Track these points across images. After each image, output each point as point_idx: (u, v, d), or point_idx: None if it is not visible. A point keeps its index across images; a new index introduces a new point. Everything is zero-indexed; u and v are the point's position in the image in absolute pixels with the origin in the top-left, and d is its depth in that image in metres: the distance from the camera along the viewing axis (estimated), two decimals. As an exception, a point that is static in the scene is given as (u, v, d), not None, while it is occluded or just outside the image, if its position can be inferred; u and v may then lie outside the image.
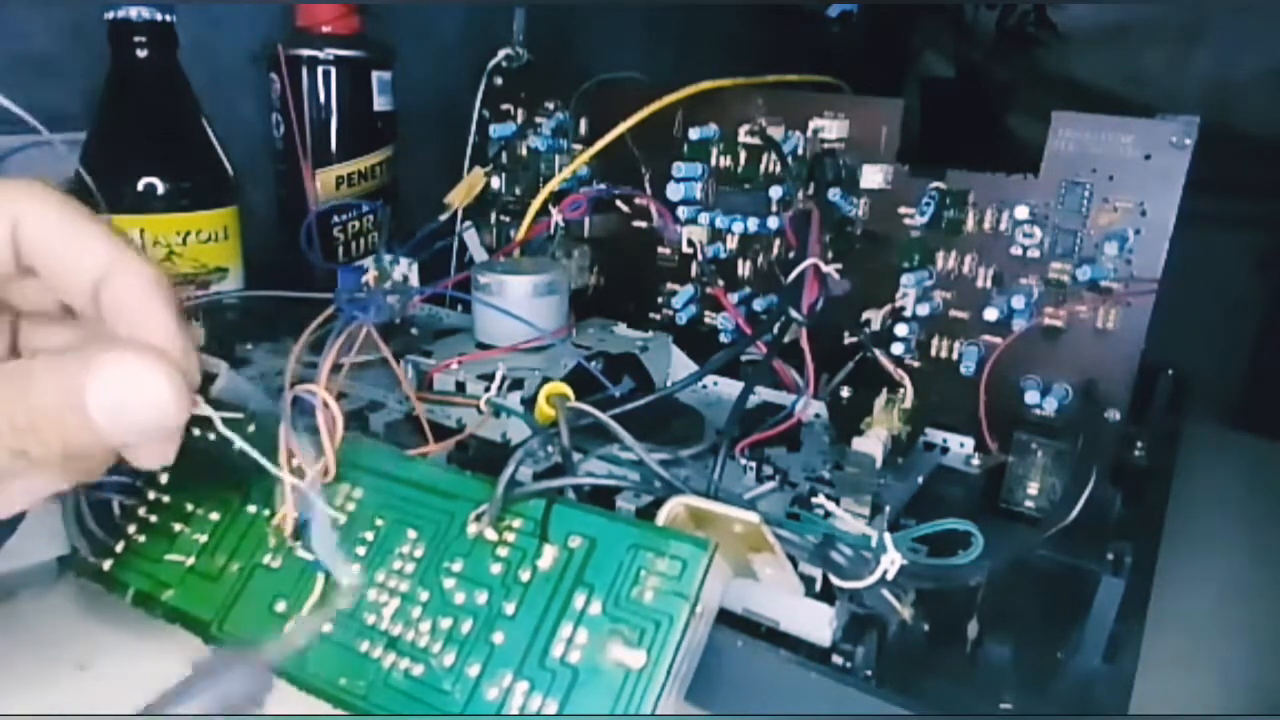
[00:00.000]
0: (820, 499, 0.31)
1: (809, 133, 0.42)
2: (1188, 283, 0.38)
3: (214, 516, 0.29)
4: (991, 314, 0.38)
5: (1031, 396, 0.38)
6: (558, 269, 0.41)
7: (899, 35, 0.92)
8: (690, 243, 0.47)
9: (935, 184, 0.39)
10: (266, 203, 0.54)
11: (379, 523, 0.27)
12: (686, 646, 0.22)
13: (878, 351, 0.39)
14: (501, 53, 0.51)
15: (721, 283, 0.45)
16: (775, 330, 0.37)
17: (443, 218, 0.49)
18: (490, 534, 0.25)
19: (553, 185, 0.47)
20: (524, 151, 0.51)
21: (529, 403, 0.34)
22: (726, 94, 0.44)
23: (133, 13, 0.42)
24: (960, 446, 0.38)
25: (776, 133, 0.43)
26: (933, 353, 0.41)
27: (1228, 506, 0.44)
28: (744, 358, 0.42)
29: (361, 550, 0.27)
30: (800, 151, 0.43)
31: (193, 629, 0.27)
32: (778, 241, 0.45)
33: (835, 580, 0.25)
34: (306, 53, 0.51)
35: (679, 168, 0.45)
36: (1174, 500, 0.38)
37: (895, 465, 0.32)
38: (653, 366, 0.41)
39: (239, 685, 0.22)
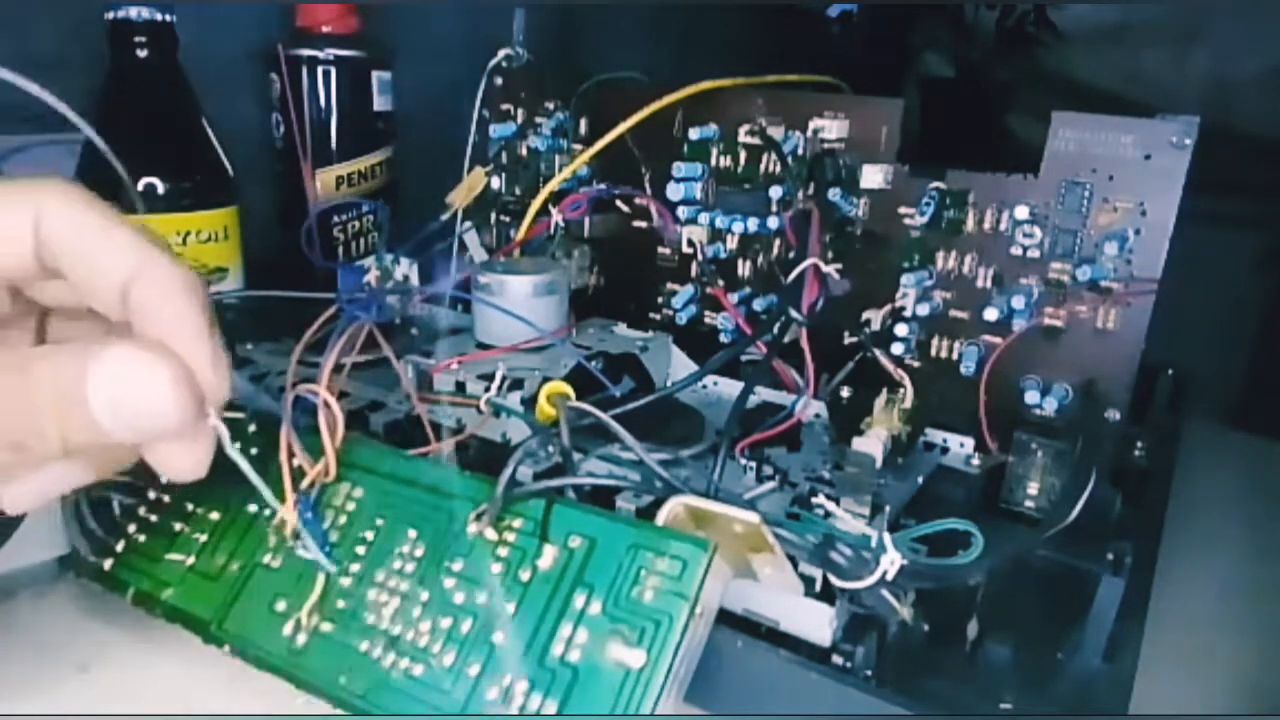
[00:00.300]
0: (820, 499, 0.31)
1: (809, 133, 0.42)
2: (1188, 283, 0.37)
3: (214, 516, 0.29)
4: (991, 314, 0.38)
5: (1031, 396, 0.37)
6: (558, 269, 0.41)
7: (899, 35, 0.92)
8: (690, 243, 0.47)
9: (935, 184, 0.39)
10: (266, 203, 0.54)
11: (379, 522, 0.27)
12: (686, 646, 0.22)
13: (878, 351, 0.39)
14: (501, 53, 0.51)
15: (721, 283, 0.45)
16: (775, 330, 0.37)
17: (443, 218, 0.49)
18: (490, 534, 0.25)
19: (553, 185, 0.47)
20: (524, 151, 0.51)
21: (529, 403, 0.34)
22: (726, 94, 0.44)
23: (133, 13, 0.42)
24: (960, 446, 0.38)
25: (776, 133, 0.43)
26: (933, 353, 0.41)
27: (1228, 506, 0.44)
28: (744, 358, 0.42)
29: (362, 549, 0.27)
30: (800, 151, 0.43)
31: (192, 628, 0.27)
32: (778, 241, 0.45)
33: (835, 580, 0.25)
34: (306, 53, 0.51)
35: (679, 168, 0.45)
36: (1174, 500, 0.38)
37: (895, 465, 0.33)
38: (653, 366, 0.41)
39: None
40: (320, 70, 0.51)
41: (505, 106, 0.52)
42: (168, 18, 0.43)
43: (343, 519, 0.28)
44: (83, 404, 0.20)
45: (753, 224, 0.43)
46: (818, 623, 0.26)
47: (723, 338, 0.47)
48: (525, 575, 0.24)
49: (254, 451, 0.29)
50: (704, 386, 0.43)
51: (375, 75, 0.53)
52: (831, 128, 0.42)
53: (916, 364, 0.41)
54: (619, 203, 0.49)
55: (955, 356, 0.40)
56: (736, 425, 0.32)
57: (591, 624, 0.23)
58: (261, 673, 0.26)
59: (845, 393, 0.39)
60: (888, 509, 0.31)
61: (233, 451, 0.23)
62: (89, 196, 0.23)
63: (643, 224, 0.48)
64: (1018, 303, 0.37)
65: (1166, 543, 0.34)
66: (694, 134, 0.45)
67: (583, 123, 0.49)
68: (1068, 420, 0.37)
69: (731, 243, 0.46)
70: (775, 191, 0.42)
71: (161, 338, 0.22)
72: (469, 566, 0.25)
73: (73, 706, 0.27)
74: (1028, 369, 0.38)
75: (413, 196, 0.56)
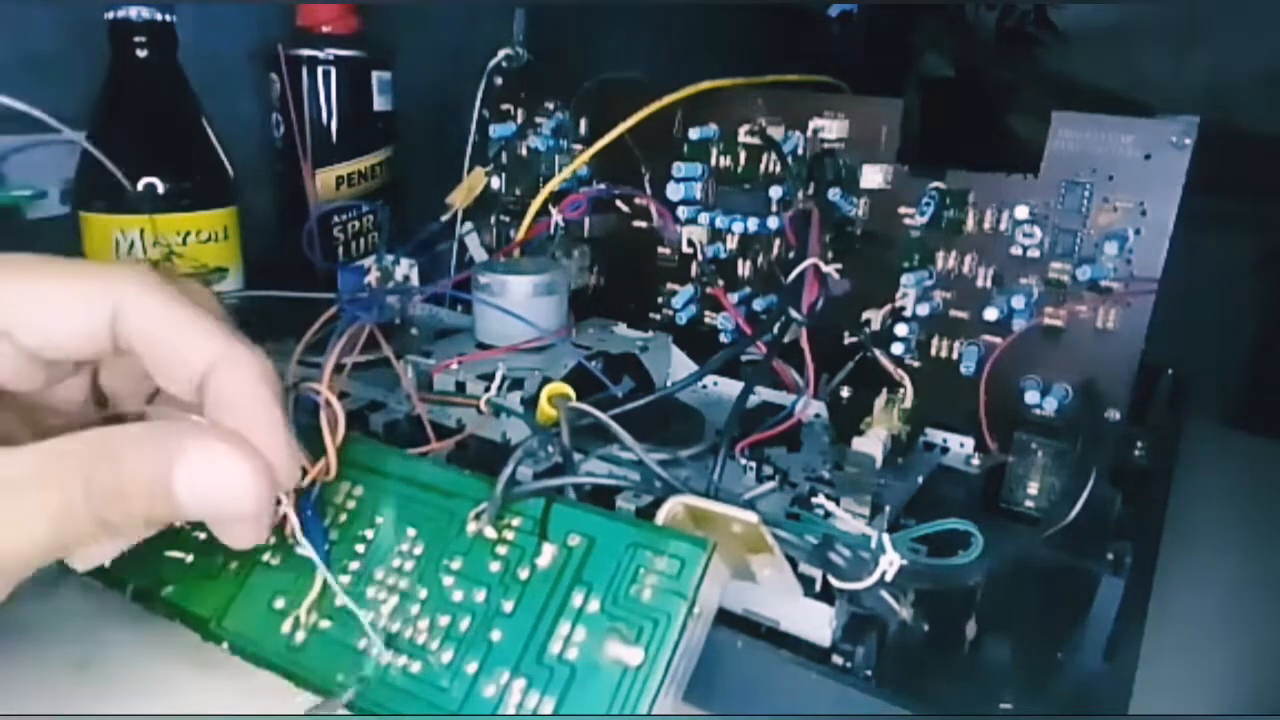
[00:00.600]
0: (820, 499, 0.31)
1: (809, 133, 0.42)
2: (1188, 283, 0.37)
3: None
4: (991, 314, 0.38)
5: (1031, 396, 0.37)
6: (558, 269, 0.41)
7: (899, 35, 0.92)
8: (690, 243, 0.47)
9: (935, 184, 0.39)
10: (266, 203, 0.54)
11: (379, 521, 0.27)
12: (684, 646, 0.22)
13: (878, 351, 0.39)
14: (501, 53, 0.51)
15: (721, 283, 0.45)
16: (775, 330, 0.37)
17: (444, 218, 0.49)
18: (489, 532, 0.25)
19: (553, 185, 0.47)
20: (524, 151, 0.51)
21: (529, 403, 0.34)
22: (726, 94, 0.44)
23: (133, 13, 0.42)
24: (960, 446, 0.38)
25: (776, 133, 0.43)
26: (933, 353, 0.41)
27: (1228, 506, 0.44)
28: (744, 358, 0.42)
29: (361, 548, 0.27)
30: (800, 151, 0.43)
31: (191, 625, 0.27)
32: (778, 241, 0.45)
33: (834, 581, 0.25)
34: (306, 53, 0.51)
35: (679, 168, 0.45)
36: (1174, 500, 0.38)
37: (895, 465, 0.32)
38: (653, 366, 0.41)
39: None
40: (320, 70, 0.51)
41: (505, 106, 0.52)
42: (168, 18, 0.43)
43: (343, 517, 0.28)
44: (168, 491, 0.22)
45: (753, 224, 0.43)
46: (817, 623, 0.26)
47: (723, 338, 0.47)
48: (524, 574, 0.24)
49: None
50: (704, 386, 0.43)
51: (375, 75, 0.53)
52: (831, 128, 0.42)
53: (916, 364, 0.41)
54: (619, 203, 0.49)
55: (955, 356, 0.40)
56: (736, 425, 0.32)
57: (590, 622, 0.23)
58: (260, 670, 0.26)
59: (845, 393, 0.39)
60: (888, 509, 0.31)
61: (303, 540, 0.25)
62: (168, 286, 0.24)
63: (643, 224, 0.48)
64: (1018, 303, 0.37)
65: (1166, 543, 0.34)
66: (694, 134, 0.45)
67: (583, 123, 0.49)
68: (1068, 420, 0.37)
69: (731, 243, 0.46)
70: (775, 191, 0.42)
71: (239, 429, 0.23)
72: (468, 565, 0.25)
73: (72, 704, 0.27)
74: (1028, 369, 0.38)
75: (413, 196, 0.56)
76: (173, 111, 0.45)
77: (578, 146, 0.49)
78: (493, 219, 0.53)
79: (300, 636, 0.25)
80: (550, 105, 0.50)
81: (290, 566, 0.27)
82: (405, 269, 0.44)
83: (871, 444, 0.31)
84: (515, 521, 0.26)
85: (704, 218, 0.45)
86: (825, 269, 0.37)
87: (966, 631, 0.28)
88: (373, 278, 0.43)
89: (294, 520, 0.25)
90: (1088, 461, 0.30)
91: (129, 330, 0.23)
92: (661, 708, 0.21)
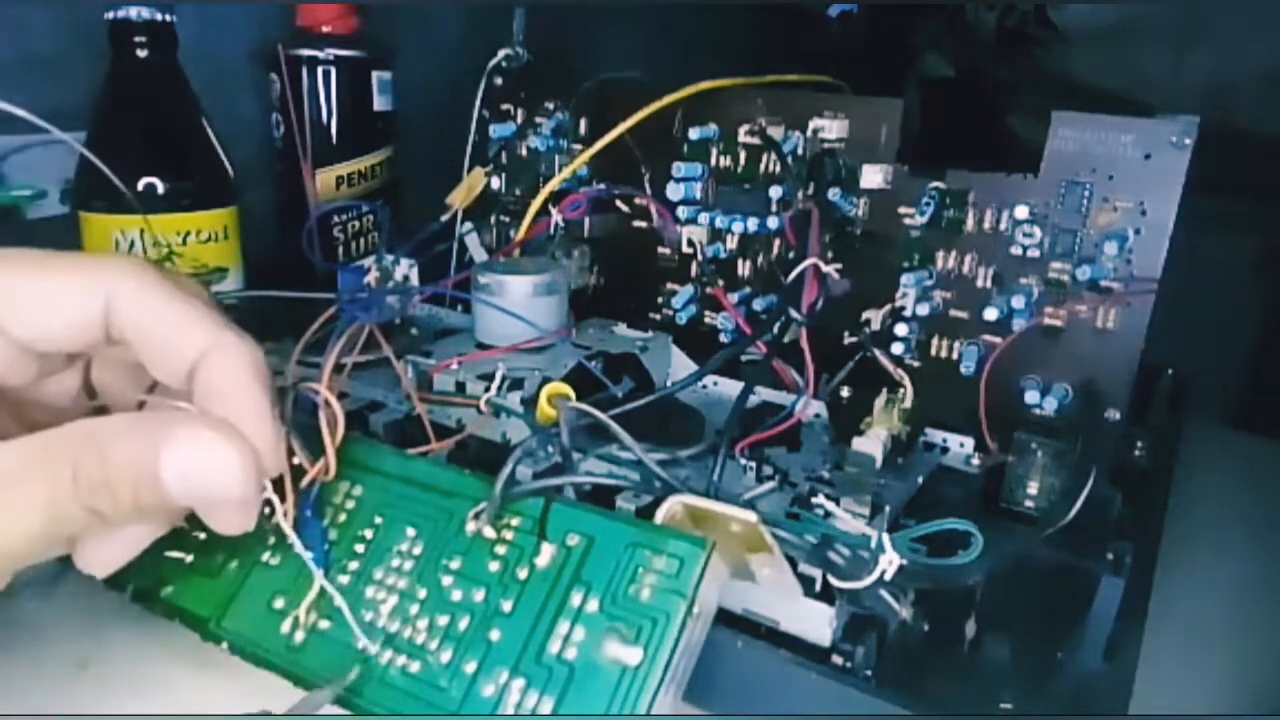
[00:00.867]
0: (820, 499, 0.31)
1: (809, 133, 0.42)
2: (1188, 283, 0.37)
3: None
4: (991, 314, 0.38)
5: (1031, 396, 0.37)
6: (558, 269, 0.41)
7: (899, 35, 0.92)
8: (690, 243, 0.47)
9: (935, 184, 0.39)
10: (266, 203, 0.54)
11: (378, 520, 0.27)
12: (684, 645, 0.22)
13: (878, 351, 0.39)
14: (501, 53, 0.51)
15: (721, 283, 0.45)
16: (775, 330, 0.37)
17: (444, 218, 0.49)
18: (489, 532, 0.25)
19: (553, 185, 0.47)
20: (524, 151, 0.51)
21: (529, 403, 0.34)
22: (726, 94, 0.44)
23: (133, 13, 0.42)
24: (960, 446, 0.38)
25: (776, 133, 0.43)
26: (933, 353, 0.41)
27: (1228, 506, 0.44)
28: (744, 358, 0.42)
29: (360, 548, 0.27)
30: (800, 151, 0.43)
31: (191, 625, 0.27)
32: (778, 241, 0.45)
33: (833, 580, 0.25)
34: (306, 53, 0.51)
35: (679, 168, 0.45)
36: (1174, 500, 0.38)
37: (895, 465, 0.32)
38: (653, 366, 0.41)
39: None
40: (320, 70, 0.51)
41: (505, 106, 0.52)
42: (168, 18, 0.43)
43: (342, 517, 0.28)
44: (155, 478, 0.22)
45: (753, 224, 0.43)
46: (817, 623, 0.26)
47: (723, 338, 0.47)
48: (523, 573, 0.24)
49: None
50: (704, 386, 0.43)
51: (375, 75, 0.53)
52: (831, 128, 0.41)
53: (916, 364, 0.41)
54: (619, 203, 0.49)
55: (955, 356, 0.40)
56: (736, 425, 0.32)
57: (588, 622, 0.23)
58: (260, 670, 0.26)
59: (845, 393, 0.39)
60: (888, 509, 0.31)
61: (284, 523, 0.25)
62: (160, 276, 0.24)
63: (643, 224, 0.48)
64: (1018, 303, 0.37)
65: (1166, 543, 0.34)
66: (694, 134, 0.45)
67: (583, 123, 0.49)
68: (1068, 420, 0.37)
69: (731, 243, 0.46)
70: (775, 191, 0.42)
71: (227, 417, 0.23)
72: (467, 564, 0.25)
73: (73, 704, 0.27)
74: (1028, 369, 0.38)
75: (413, 196, 0.56)
76: (173, 111, 0.45)
77: (578, 146, 0.49)
78: (493, 219, 0.53)
79: (300, 636, 0.26)
80: (550, 105, 0.50)
81: (289, 566, 0.27)
82: (405, 269, 0.44)
83: (871, 444, 0.31)
84: (514, 521, 0.26)
85: (704, 218, 0.45)
86: (825, 269, 0.37)
87: (966, 631, 0.28)
88: (372, 278, 0.43)
89: (280, 509, 0.25)
90: (1087, 461, 0.30)
91: (122, 320, 0.24)
92: (661, 707, 0.21)
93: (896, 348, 0.40)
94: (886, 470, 0.31)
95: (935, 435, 0.38)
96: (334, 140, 0.52)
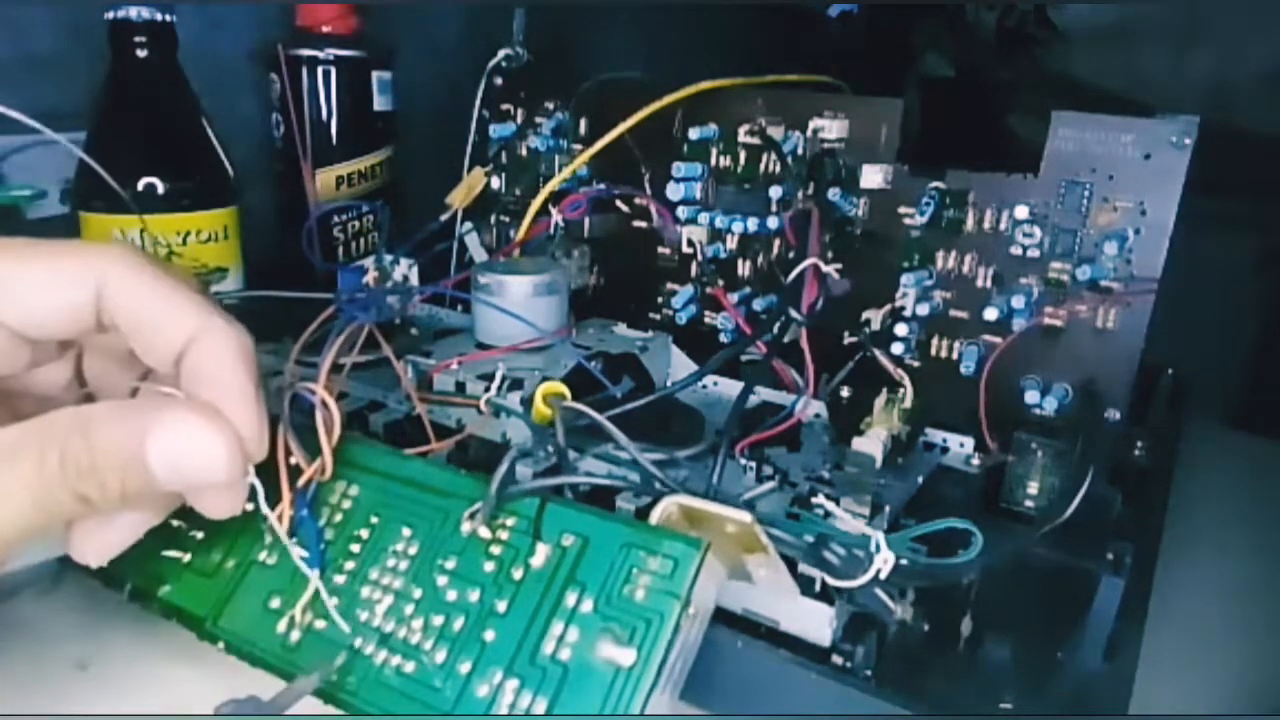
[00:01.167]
0: (820, 499, 0.31)
1: (809, 133, 0.42)
2: (1188, 283, 0.37)
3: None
4: (991, 314, 0.38)
5: (1031, 396, 0.37)
6: (558, 269, 0.41)
7: (899, 35, 0.92)
8: (690, 243, 0.46)
9: (935, 184, 0.39)
10: (266, 203, 0.54)
11: (374, 520, 0.27)
12: (679, 646, 0.22)
13: (878, 351, 0.39)
14: (501, 53, 0.51)
15: (721, 283, 0.45)
16: (775, 330, 0.37)
17: (443, 218, 0.49)
18: (484, 532, 0.25)
19: (553, 185, 0.47)
20: (524, 151, 0.51)
21: (529, 403, 0.34)
22: (726, 94, 0.44)
23: (133, 13, 0.42)
24: (960, 446, 0.38)
25: (776, 133, 0.43)
26: (933, 353, 0.41)
27: (1228, 506, 0.44)
28: (744, 358, 0.42)
29: (356, 547, 0.27)
30: (800, 151, 0.43)
31: (188, 624, 0.27)
32: (778, 241, 0.45)
33: (828, 579, 0.25)
34: (306, 53, 0.51)
35: (679, 168, 0.45)
36: (1174, 500, 0.38)
37: (895, 465, 0.32)
38: (653, 366, 0.41)
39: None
40: (320, 70, 0.51)
41: (505, 106, 0.52)
42: (168, 18, 0.43)
43: (338, 517, 0.28)
44: (141, 463, 0.22)
45: (753, 224, 0.43)
46: (817, 623, 0.26)
47: (723, 338, 0.47)
48: (518, 573, 0.24)
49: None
50: (704, 386, 0.43)
51: (375, 75, 0.53)
52: (831, 128, 0.41)
53: (916, 364, 0.41)
54: (619, 203, 0.49)
55: (955, 356, 0.40)
56: (736, 425, 0.32)
57: (583, 622, 0.23)
58: (256, 669, 0.26)
59: (845, 393, 0.39)
60: (888, 509, 0.30)
61: (265, 508, 0.25)
62: (151, 262, 0.24)
63: (643, 224, 0.48)
64: (1018, 302, 0.37)
65: (1166, 543, 0.34)
66: (694, 134, 0.45)
67: (583, 123, 0.49)
68: (1068, 420, 0.37)
69: (731, 243, 0.46)
70: (775, 191, 0.42)
71: (213, 401, 0.24)
72: (462, 564, 0.25)
73: (73, 704, 0.27)
74: (1028, 369, 0.38)
75: (413, 196, 0.56)
76: (173, 111, 0.45)
77: (578, 146, 0.49)
78: (493, 219, 0.53)
79: (295, 636, 0.26)
80: (550, 105, 0.50)
81: (285, 566, 0.27)
82: (405, 269, 0.44)
83: (871, 444, 0.31)
84: (510, 521, 0.26)
85: (704, 218, 0.45)
86: (825, 269, 0.37)
87: (962, 630, 0.28)
88: (372, 278, 0.43)
89: (271, 513, 0.26)
90: (1087, 461, 0.30)
91: (112, 306, 0.24)
92: (657, 707, 0.21)
93: (896, 348, 0.40)
94: (886, 470, 0.31)
95: (935, 435, 0.38)
96: (334, 140, 0.52)
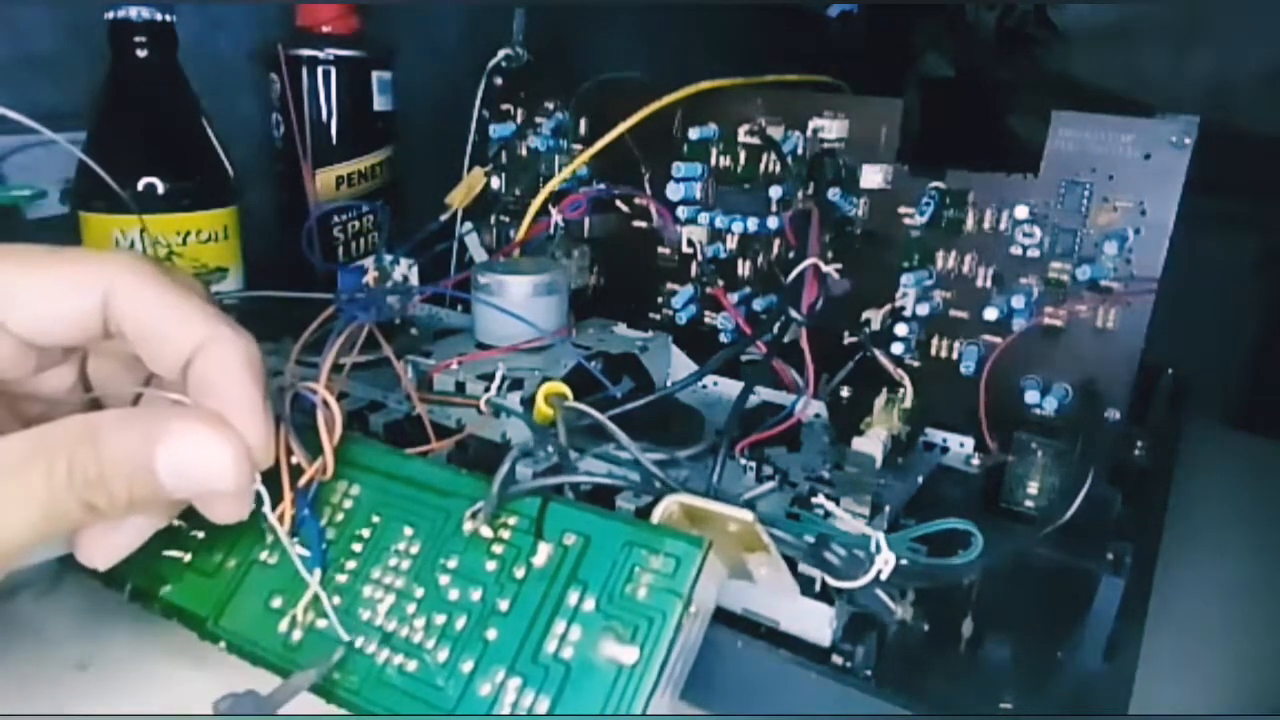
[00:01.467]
0: (820, 499, 0.31)
1: (809, 133, 0.42)
2: (1188, 283, 0.37)
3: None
4: (991, 314, 0.38)
5: (1031, 396, 0.37)
6: (558, 269, 0.41)
7: (899, 35, 0.92)
8: (690, 243, 0.47)
9: (935, 184, 0.39)
10: (266, 203, 0.54)
11: (376, 520, 0.27)
12: (680, 645, 0.22)
13: (878, 351, 0.39)
14: (501, 53, 0.51)
15: (721, 283, 0.45)
16: (775, 330, 0.37)
17: (443, 218, 0.49)
18: (486, 531, 0.25)
19: (553, 185, 0.47)
20: (524, 151, 0.51)
21: (529, 403, 0.34)
22: (726, 94, 0.44)
23: (133, 13, 0.42)
24: (960, 446, 0.38)
25: (776, 133, 0.43)
26: (933, 353, 0.41)
27: (1228, 506, 0.44)
28: (744, 358, 0.42)
29: (358, 547, 0.27)
30: (800, 151, 0.43)
31: (189, 624, 0.27)
32: (778, 241, 0.45)
33: (829, 580, 0.25)
34: (306, 53, 0.51)
35: (679, 168, 0.45)
36: (1174, 500, 0.38)
37: (895, 465, 0.32)
38: (653, 366, 0.41)
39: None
40: (320, 70, 0.51)
41: (505, 106, 0.52)
42: (168, 18, 0.43)
43: (340, 516, 0.28)
44: (150, 472, 0.22)
45: (753, 224, 0.43)
46: (817, 623, 0.26)
47: (723, 338, 0.47)
48: (520, 572, 0.24)
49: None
50: (704, 386, 0.43)
51: (375, 75, 0.53)
52: (831, 128, 0.41)
53: (916, 364, 0.41)
54: (619, 203, 0.49)
55: (955, 356, 0.40)
56: (736, 425, 0.32)
57: (585, 621, 0.23)
58: (257, 669, 0.26)
59: (845, 393, 0.39)
60: (888, 509, 0.31)
61: (270, 516, 0.26)
62: (159, 270, 0.25)
63: (643, 224, 0.48)
64: (1018, 302, 0.37)
65: (1166, 543, 0.34)
66: (694, 134, 0.45)
67: (583, 123, 0.49)
68: (1068, 420, 0.37)
69: (731, 243, 0.46)
70: (775, 191, 0.42)
71: (220, 409, 0.24)
72: (464, 564, 0.25)
73: (73, 704, 0.27)
74: (1028, 369, 0.38)
75: (413, 196, 0.56)
76: (173, 111, 0.45)
77: (578, 146, 0.49)
78: (493, 219, 0.53)
79: (297, 635, 0.25)
80: (550, 105, 0.50)
81: (287, 565, 0.27)
82: (405, 269, 0.44)
83: (871, 444, 0.31)
84: (511, 521, 0.26)
85: (704, 218, 0.45)
86: (825, 269, 0.37)
87: (963, 630, 0.28)
88: (372, 278, 0.43)
89: (272, 514, 0.26)
90: (1087, 461, 0.30)
91: (119, 314, 0.24)
92: (658, 707, 0.21)
93: (896, 348, 0.40)
94: (886, 470, 0.31)
95: (935, 435, 0.38)
96: (334, 140, 0.52)
